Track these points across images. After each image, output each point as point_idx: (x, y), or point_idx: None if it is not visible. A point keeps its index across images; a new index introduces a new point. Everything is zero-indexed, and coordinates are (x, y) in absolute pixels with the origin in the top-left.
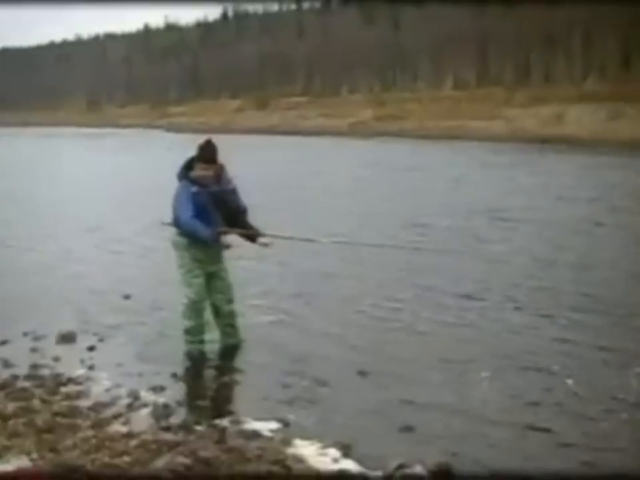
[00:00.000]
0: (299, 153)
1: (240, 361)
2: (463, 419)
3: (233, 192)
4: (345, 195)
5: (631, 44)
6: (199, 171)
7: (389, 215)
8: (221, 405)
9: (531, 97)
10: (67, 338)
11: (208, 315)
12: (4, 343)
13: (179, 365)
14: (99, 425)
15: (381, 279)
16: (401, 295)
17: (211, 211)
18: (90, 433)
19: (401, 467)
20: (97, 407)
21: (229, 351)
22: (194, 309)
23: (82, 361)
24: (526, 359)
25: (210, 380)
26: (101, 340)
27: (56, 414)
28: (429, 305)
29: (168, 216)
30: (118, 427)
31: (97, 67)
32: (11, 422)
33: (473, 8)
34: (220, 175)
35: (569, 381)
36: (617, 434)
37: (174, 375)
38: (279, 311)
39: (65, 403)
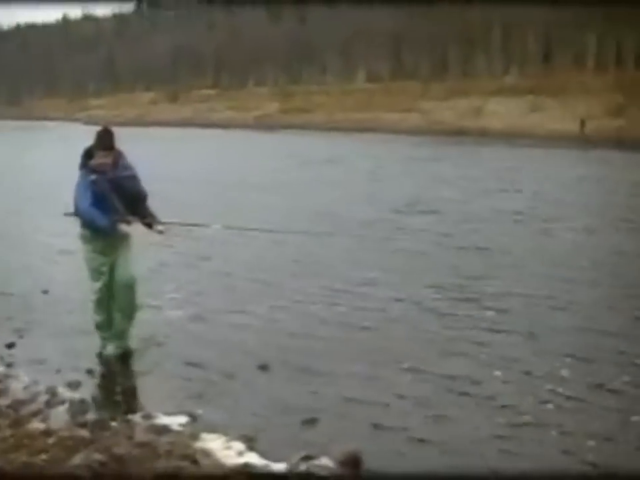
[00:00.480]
0: (209, 145)
1: (151, 356)
2: (371, 412)
3: (132, 178)
4: (257, 189)
5: (552, 38)
6: (97, 159)
7: (303, 208)
8: (133, 400)
9: (448, 90)
10: None
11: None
12: None
13: (95, 361)
14: (17, 423)
15: (289, 271)
16: (306, 286)
17: (110, 199)
18: (8, 432)
19: (305, 458)
20: (16, 404)
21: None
22: (102, 303)
23: (1, 358)
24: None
25: (123, 375)
26: (20, 337)
27: None
28: (330, 295)
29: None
30: (36, 425)
31: (17, 59)
32: None
33: (386, 4)
34: (117, 161)
35: (497, 372)
36: None
37: (89, 371)
38: (189, 304)
39: None
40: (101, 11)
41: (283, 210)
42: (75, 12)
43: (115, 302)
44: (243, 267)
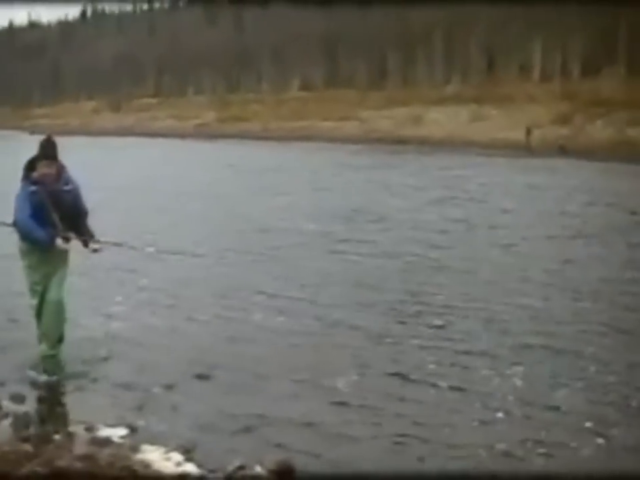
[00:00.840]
0: (150, 154)
1: (92, 368)
2: (306, 422)
3: (71, 193)
4: (195, 199)
5: (495, 46)
6: (41, 169)
7: (244, 219)
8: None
9: (386, 99)
10: None
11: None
12: None
13: (39, 373)
14: None
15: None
16: (240, 299)
17: (49, 212)
18: None
19: (240, 468)
20: None
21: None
22: (38, 319)
23: None
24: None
25: (66, 387)
26: None
27: None
28: (267, 307)
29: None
30: None
31: None
32: None
33: (321, 8)
34: (60, 173)
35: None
36: None
37: (33, 384)
38: (128, 317)
39: None
40: (47, 17)
41: (222, 222)
42: (21, 18)
43: (41, 323)
44: (175, 282)
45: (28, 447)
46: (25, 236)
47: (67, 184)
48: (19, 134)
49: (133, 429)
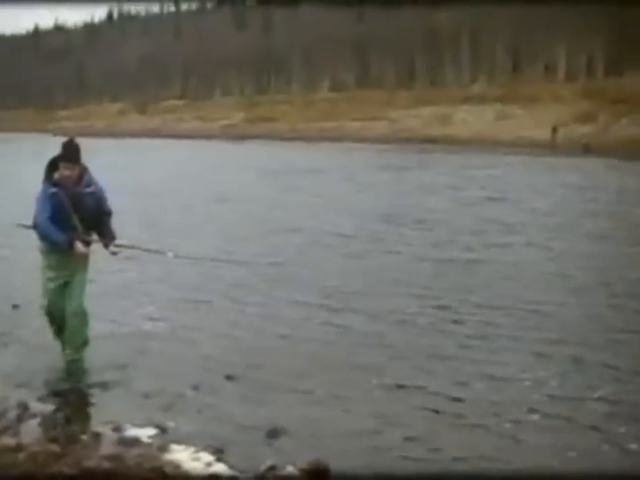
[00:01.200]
0: (178, 156)
1: (121, 369)
2: (333, 424)
3: (93, 195)
4: (226, 200)
5: (521, 47)
6: (62, 171)
7: (278, 221)
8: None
9: (414, 99)
10: None
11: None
12: None
13: (65, 373)
14: None
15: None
16: (273, 300)
17: (69, 214)
18: None
19: (272, 468)
20: None
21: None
22: (49, 317)
23: None
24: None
25: (92, 388)
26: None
27: None
28: (303, 311)
29: None
30: (7, 440)
31: None
32: None
33: (350, 9)
34: (82, 176)
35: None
36: None
37: (60, 385)
38: (158, 318)
39: None
40: (73, 20)
41: (258, 223)
42: (47, 22)
43: (65, 330)
44: (206, 283)
45: (55, 447)
46: (44, 238)
47: (88, 186)
48: (42, 136)
49: (161, 429)
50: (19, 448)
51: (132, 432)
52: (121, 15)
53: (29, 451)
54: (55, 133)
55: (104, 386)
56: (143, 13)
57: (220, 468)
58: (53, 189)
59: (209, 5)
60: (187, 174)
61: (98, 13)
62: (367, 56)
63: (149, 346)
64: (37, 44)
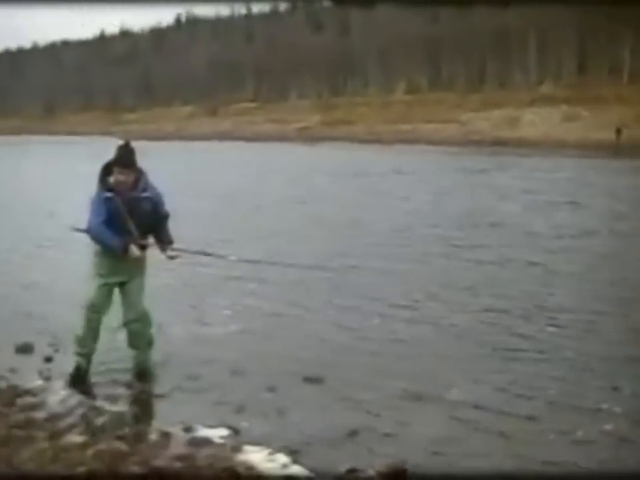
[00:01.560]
0: (254, 158)
1: (190, 370)
2: (413, 424)
3: (149, 200)
4: (307, 203)
5: (586, 50)
6: (116, 176)
7: (362, 224)
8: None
9: (484, 101)
10: (24, 349)
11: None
12: None
13: (132, 374)
14: (54, 436)
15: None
16: (354, 304)
17: (124, 219)
18: (46, 444)
19: (351, 471)
20: (53, 418)
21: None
22: (85, 317)
23: (39, 372)
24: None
25: (162, 388)
26: (56, 350)
27: (12, 426)
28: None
29: None
30: (74, 438)
31: (52, 74)
32: None
33: (425, 10)
34: (138, 180)
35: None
36: None
37: (128, 385)
38: (234, 320)
39: (21, 415)
40: (139, 25)
41: (340, 226)
42: (112, 28)
43: (127, 337)
44: (284, 287)
45: (123, 446)
46: (97, 242)
47: (145, 190)
48: (107, 138)
49: (234, 431)
50: (85, 445)
51: (203, 432)
52: (189, 18)
53: (96, 448)
54: (121, 136)
55: (177, 387)
56: (212, 16)
57: (296, 470)
58: (108, 194)
59: (282, 8)
60: (262, 176)
61: (165, 18)
62: (439, 58)
63: (224, 348)
64: (103, 49)
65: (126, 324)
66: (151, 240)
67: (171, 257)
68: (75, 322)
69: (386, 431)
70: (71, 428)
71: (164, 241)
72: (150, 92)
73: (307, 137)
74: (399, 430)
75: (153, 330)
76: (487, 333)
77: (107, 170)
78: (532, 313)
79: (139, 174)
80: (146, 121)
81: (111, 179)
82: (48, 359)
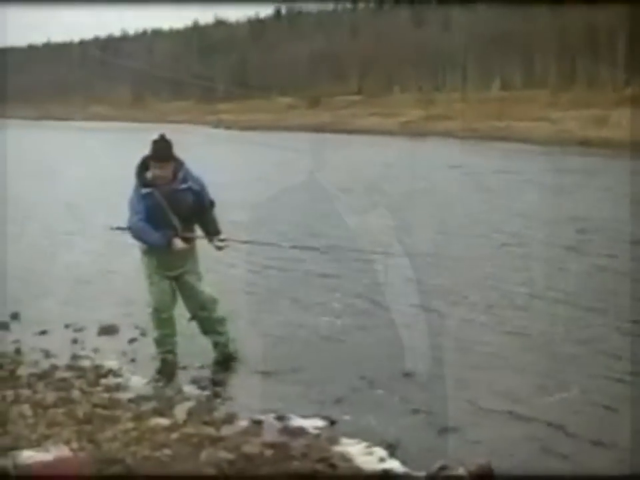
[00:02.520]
0: (360, 151)
1: (284, 359)
2: (512, 423)
3: (190, 190)
4: (424, 200)
5: None
6: (153, 170)
7: (480, 222)
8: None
9: (574, 100)
10: (109, 330)
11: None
12: (44, 333)
13: (222, 359)
14: (139, 417)
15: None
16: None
17: (165, 213)
18: (130, 425)
19: (442, 468)
20: (138, 399)
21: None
22: (156, 318)
23: (123, 354)
24: None
25: (253, 376)
26: (142, 334)
27: (96, 405)
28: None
29: None
30: (159, 420)
31: (142, 63)
32: (50, 411)
33: (522, 9)
34: (177, 173)
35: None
36: None
37: (216, 370)
38: (333, 313)
39: (105, 395)
40: (234, 16)
41: (457, 224)
42: (207, 18)
43: (198, 326)
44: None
45: (211, 431)
46: (139, 240)
47: (184, 181)
48: (201, 127)
49: (330, 422)
50: (172, 428)
51: (298, 422)
52: (289, 11)
53: (182, 431)
54: (216, 125)
55: (269, 374)
56: (314, 11)
57: (393, 464)
58: (146, 189)
59: (386, 4)
60: (381, 170)
61: (263, 11)
62: (532, 56)
63: (324, 340)
64: (197, 38)
65: (193, 315)
66: (197, 232)
67: (219, 248)
68: None
69: (474, 438)
70: (156, 410)
71: (210, 231)
72: (246, 83)
73: (410, 131)
74: (487, 434)
75: (225, 314)
76: None
77: (143, 166)
78: None
79: (178, 166)
80: (241, 111)
81: (149, 174)
82: (132, 341)
